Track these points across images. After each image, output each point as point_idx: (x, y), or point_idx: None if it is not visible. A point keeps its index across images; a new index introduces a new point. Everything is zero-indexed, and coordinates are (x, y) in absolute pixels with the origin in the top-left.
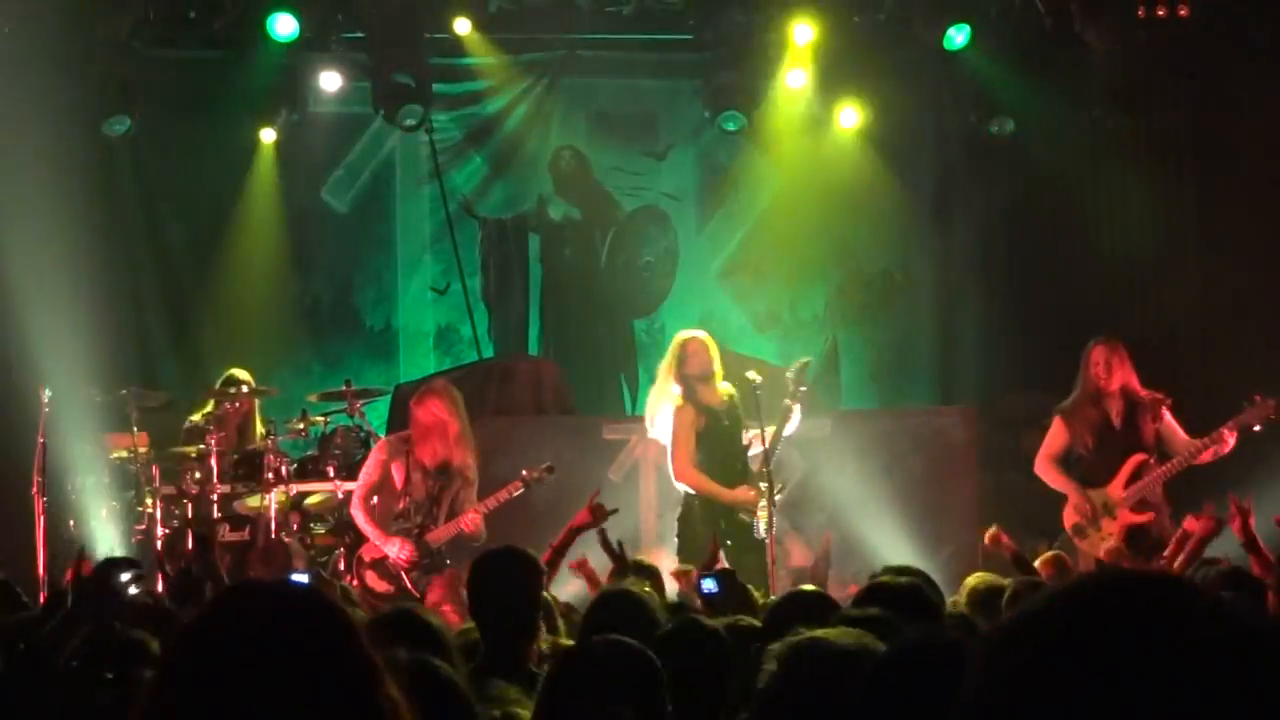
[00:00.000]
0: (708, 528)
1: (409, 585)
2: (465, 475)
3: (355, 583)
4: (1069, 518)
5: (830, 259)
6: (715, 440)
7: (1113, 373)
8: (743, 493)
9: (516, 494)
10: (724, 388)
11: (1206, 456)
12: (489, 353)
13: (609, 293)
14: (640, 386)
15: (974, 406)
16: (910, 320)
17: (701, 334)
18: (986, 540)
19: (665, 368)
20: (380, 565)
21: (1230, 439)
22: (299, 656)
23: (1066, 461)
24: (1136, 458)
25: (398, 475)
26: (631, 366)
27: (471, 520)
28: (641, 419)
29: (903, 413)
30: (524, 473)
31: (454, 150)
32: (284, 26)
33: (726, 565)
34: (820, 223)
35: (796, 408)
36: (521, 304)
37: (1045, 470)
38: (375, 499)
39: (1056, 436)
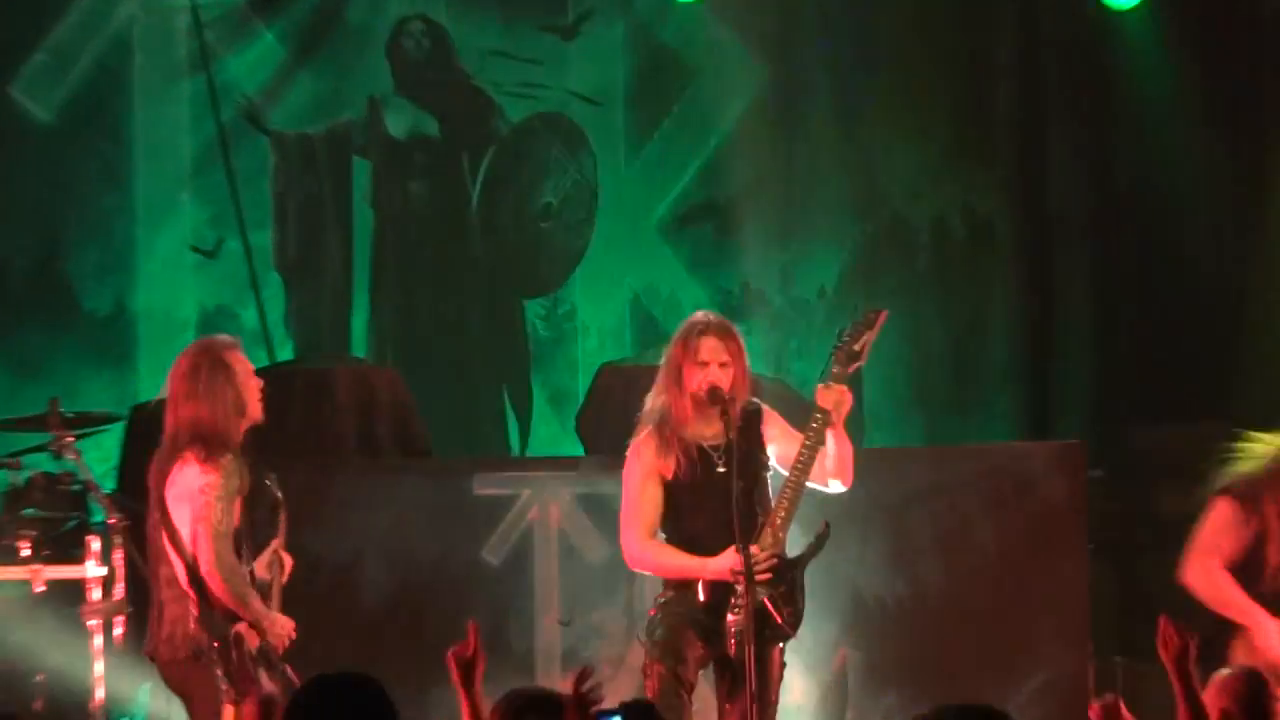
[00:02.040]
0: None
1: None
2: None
3: (251, 691)
4: (1252, 650)
5: (847, 201)
6: (697, 496)
7: None
8: (721, 561)
9: None
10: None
11: None
12: (287, 354)
13: (484, 255)
14: (535, 408)
15: (1080, 442)
16: (977, 303)
17: (721, 325)
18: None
19: (662, 370)
20: (265, 656)
21: None
22: None
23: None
24: None
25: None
26: (520, 376)
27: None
28: (535, 464)
29: (965, 452)
30: None
31: (230, 23)
32: None
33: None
34: (831, 143)
35: (827, 431)
36: (341, 274)
37: (1214, 580)
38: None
39: (1229, 531)
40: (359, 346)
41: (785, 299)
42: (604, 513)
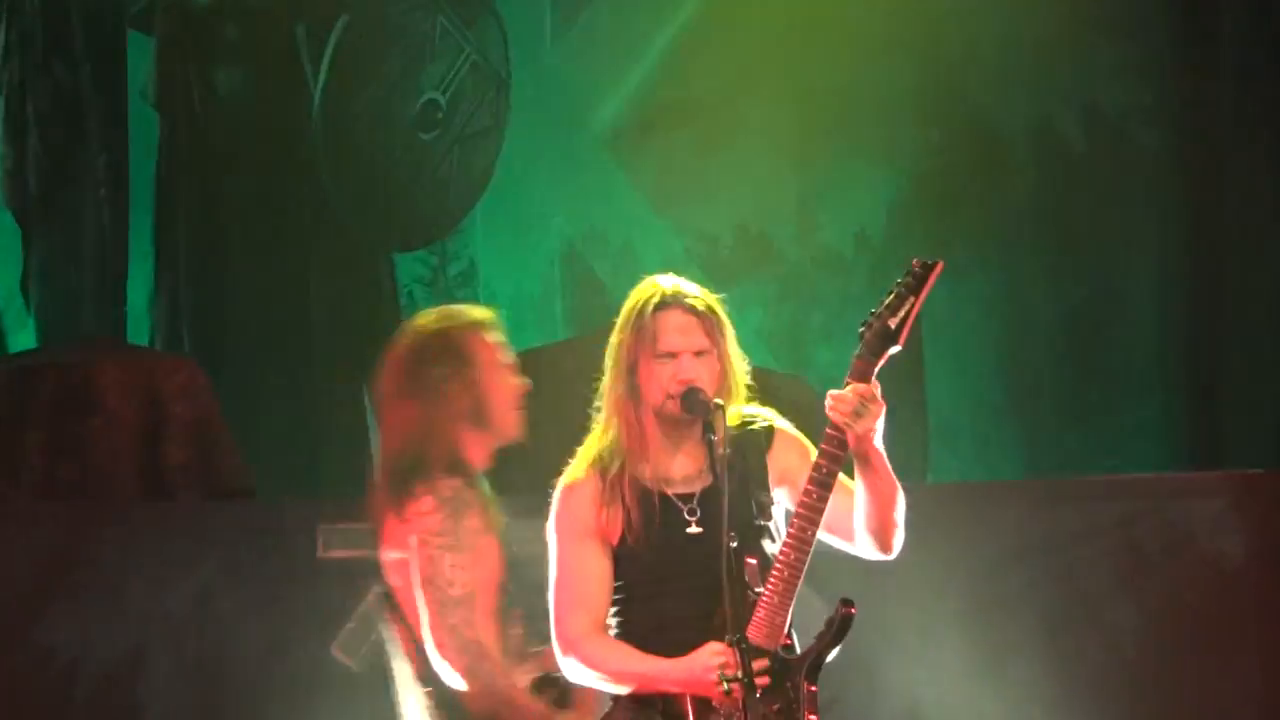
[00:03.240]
0: None
1: None
2: None
3: None
4: None
5: (901, 96)
6: (659, 571)
7: None
8: (690, 664)
9: None
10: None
11: None
12: (27, 341)
13: (332, 184)
14: None
15: (1273, 474)
16: (1108, 258)
17: (687, 292)
18: None
19: (607, 375)
20: None
21: None
22: None
23: None
24: None
25: None
26: None
27: None
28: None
29: (1088, 488)
30: None
31: None
32: None
33: None
34: (873, 5)
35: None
36: (110, 217)
37: None
38: None
39: None
40: (137, 329)
41: (805, 250)
42: (520, 584)
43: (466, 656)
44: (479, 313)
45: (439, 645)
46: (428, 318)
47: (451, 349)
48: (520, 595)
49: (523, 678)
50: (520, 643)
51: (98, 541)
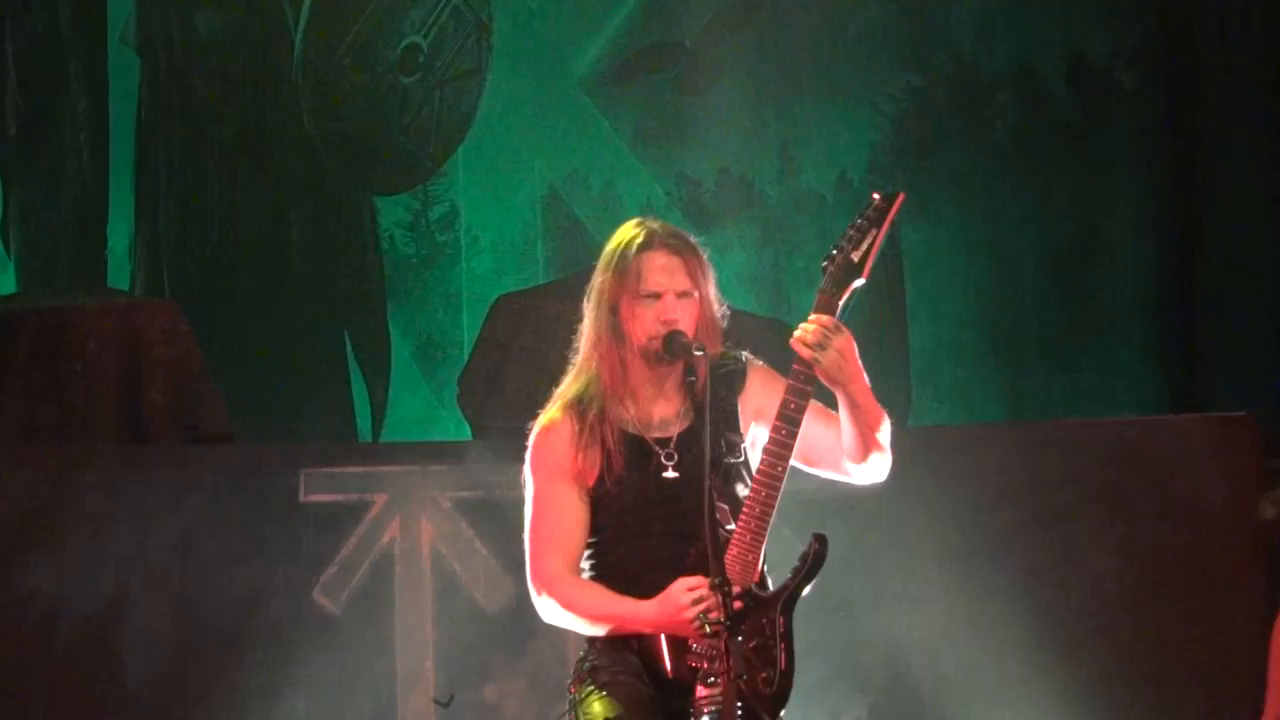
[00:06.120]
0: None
1: None
2: None
3: None
4: None
5: (883, 40)
6: (635, 514)
7: None
8: (661, 605)
9: None
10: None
11: None
12: (7, 286)
13: (313, 128)
14: (396, 366)
15: (1249, 415)
16: (1089, 201)
17: (672, 233)
18: None
19: (587, 315)
20: None
21: None
22: None
23: None
24: None
25: None
26: (370, 317)
27: None
28: (395, 455)
29: (1070, 431)
30: None
31: None
32: None
33: None
34: None
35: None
36: (89, 161)
37: None
38: None
39: None
40: (118, 273)
41: (786, 192)
42: (503, 530)
43: None
44: None
45: None
46: None
47: None
48: (504, 540)
49: None
50: None
51: (78, 486)
